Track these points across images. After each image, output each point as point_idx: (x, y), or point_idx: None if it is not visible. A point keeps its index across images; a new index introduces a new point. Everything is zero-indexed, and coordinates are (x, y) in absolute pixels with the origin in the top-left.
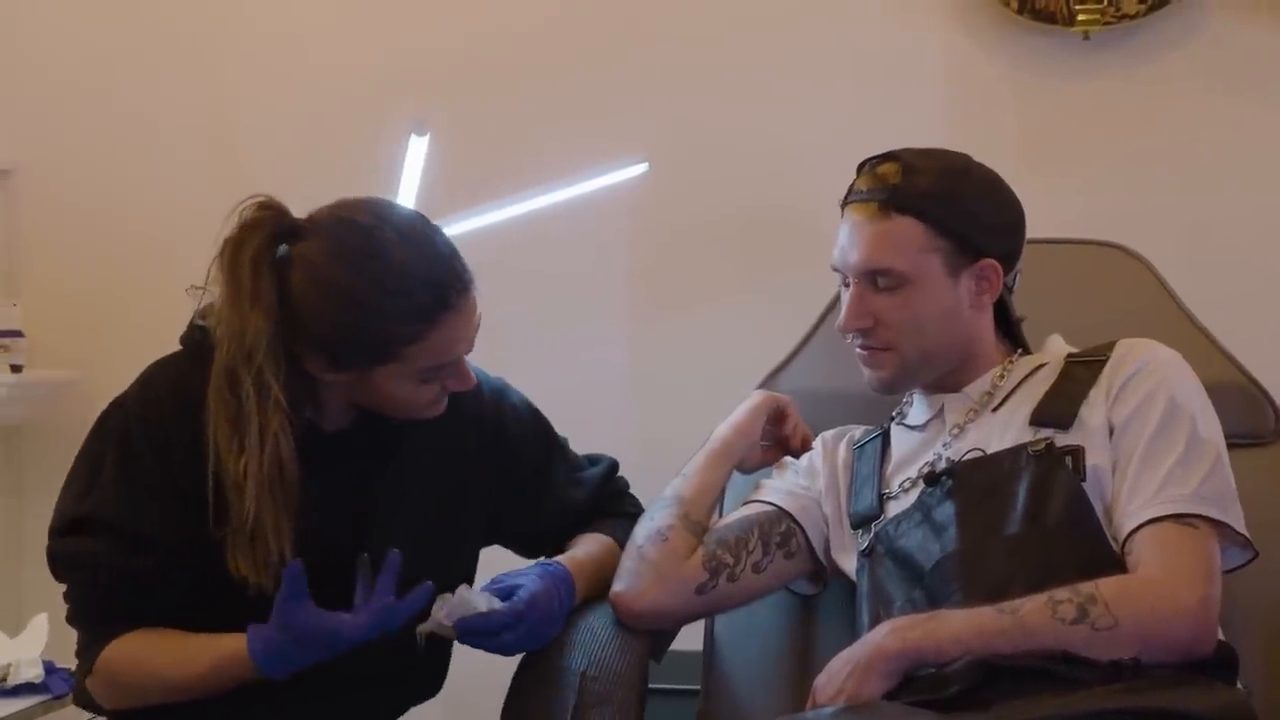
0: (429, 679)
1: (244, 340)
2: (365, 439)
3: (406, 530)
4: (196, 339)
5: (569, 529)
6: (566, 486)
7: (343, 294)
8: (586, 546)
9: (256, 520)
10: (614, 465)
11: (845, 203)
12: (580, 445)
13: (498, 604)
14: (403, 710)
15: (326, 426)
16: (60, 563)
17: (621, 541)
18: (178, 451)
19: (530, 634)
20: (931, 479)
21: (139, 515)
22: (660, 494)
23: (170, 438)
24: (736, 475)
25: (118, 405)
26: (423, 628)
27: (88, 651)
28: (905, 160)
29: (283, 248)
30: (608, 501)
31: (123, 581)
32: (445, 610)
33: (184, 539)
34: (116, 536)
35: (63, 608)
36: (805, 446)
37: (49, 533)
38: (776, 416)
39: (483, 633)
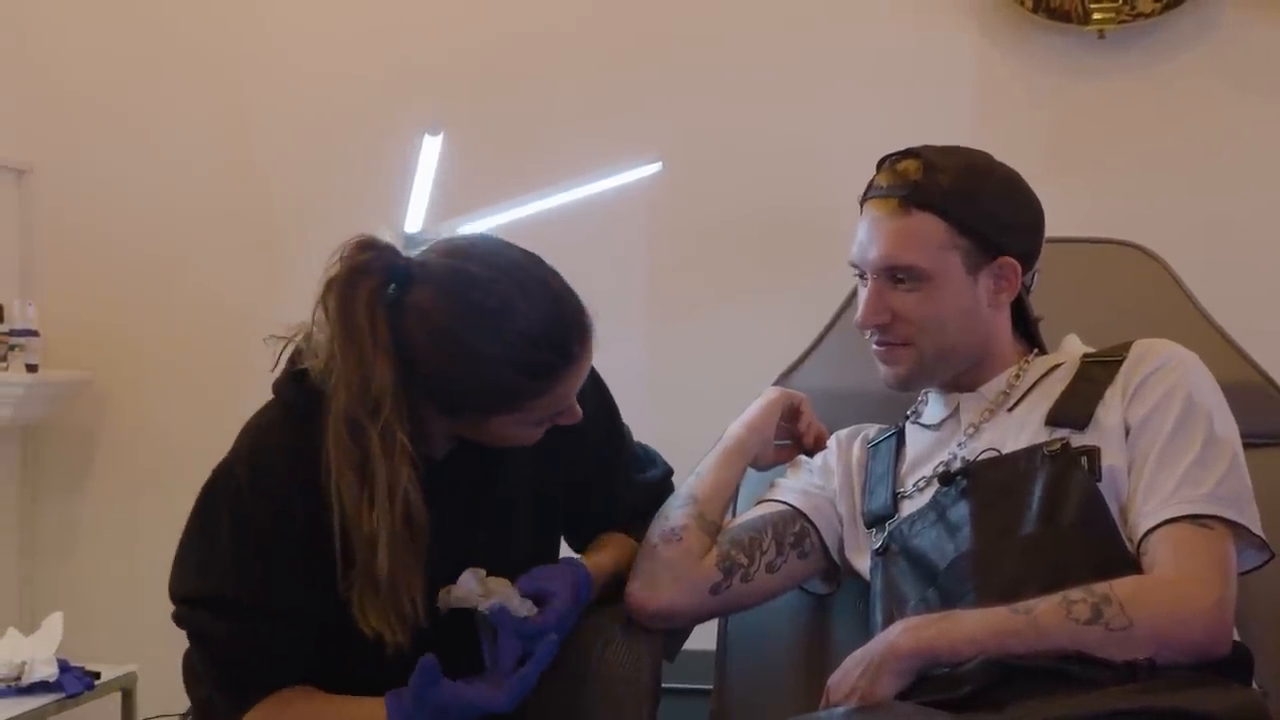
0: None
1: (368, 390)
2: (469, 463)
3: (514, 546)
4: (292, 388)
5: (611, 526)
6: (624, 488)
7: (464, 349)
8: (613, 549)
9: (391, 575)
10: (669, 473)
11: (865, 199)
12: None
13: (533, 612)
14: None
15: (436, 454)
16: (185, 630)
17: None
18: (297, 513)
19: (548, 651)
20: (946, 479)
21: (263, 589)
22: (675, 492)
23: (288, 500)
24: (751, 473)
25: (226, 469)
26: (453, 599)
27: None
28: (926, 157)
29: (393, 288)
30: (653, 507)
31: (252, 652)
32: (481, 589)
33: (311, 602)
34: (241, 612)
35: (79, 606)
36: (820, 444)
37: (170, 594)
38: (791, 413)
39: (510, 633)
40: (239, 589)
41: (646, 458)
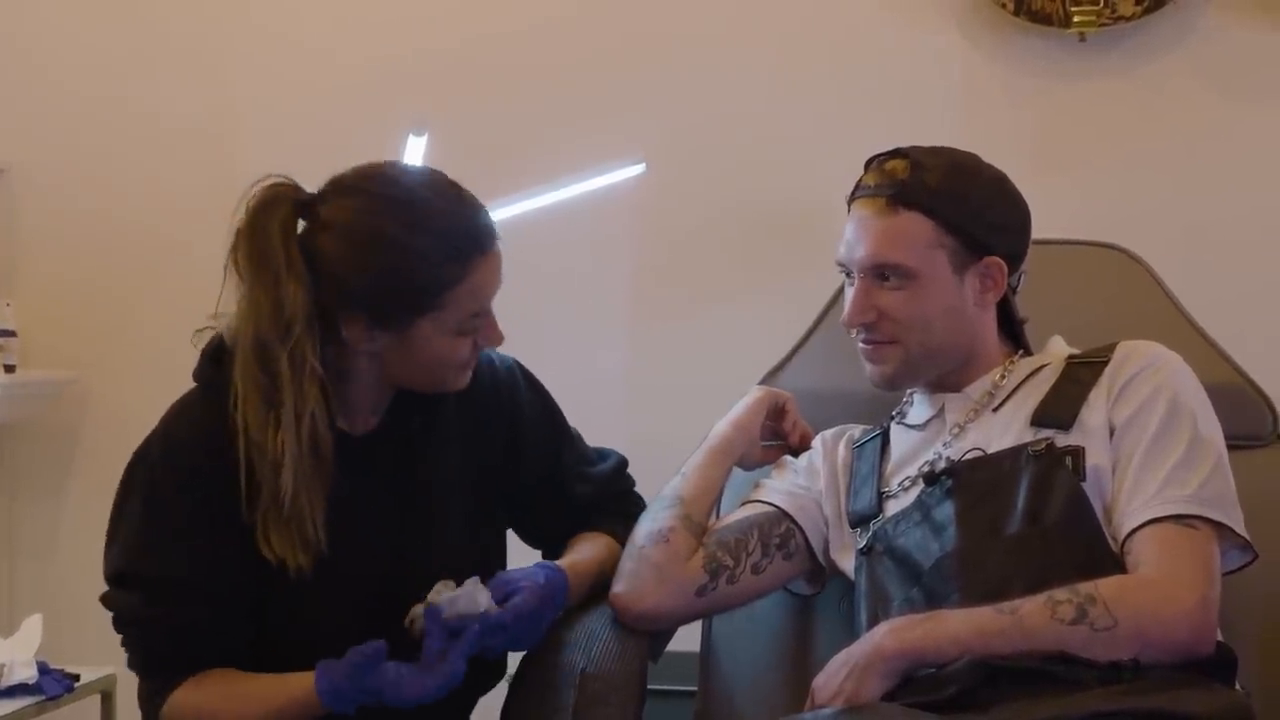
0: (493, 670)
1: (280, 312)
2: (394, 442)
3: (444, 531)
4: (210, 369)
5: (573, 524)
6: (574, 481)
7: (383, 241)
8: (588, 547)
9: (294, 498)
10: (623, 462)
11: (852, 198)
12: None
13: (494, 606)
14: (473, 704)
15: (355, 430)
16: (112, 617)
17: (623, 541)
18: (206, 490)
19: (513, 641)
20: (931, 478)
21: (177, 566)
22: (660, 492)
23: (196, 478)
24: (736, 472)
25: (141, 454)
26: (416, 611)
27: (149, 705)
28: (914, 157)
29: (302, 224)
30: (613, 500)
31: (169, 631)
32: (445, 598)
33: (229, 580)
34: (151, 587)
35: (59, 608)
36: (805, 444)
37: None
38: (777, 413)
39: (438, 625)
40: (153, 568)
41: (599, 455)
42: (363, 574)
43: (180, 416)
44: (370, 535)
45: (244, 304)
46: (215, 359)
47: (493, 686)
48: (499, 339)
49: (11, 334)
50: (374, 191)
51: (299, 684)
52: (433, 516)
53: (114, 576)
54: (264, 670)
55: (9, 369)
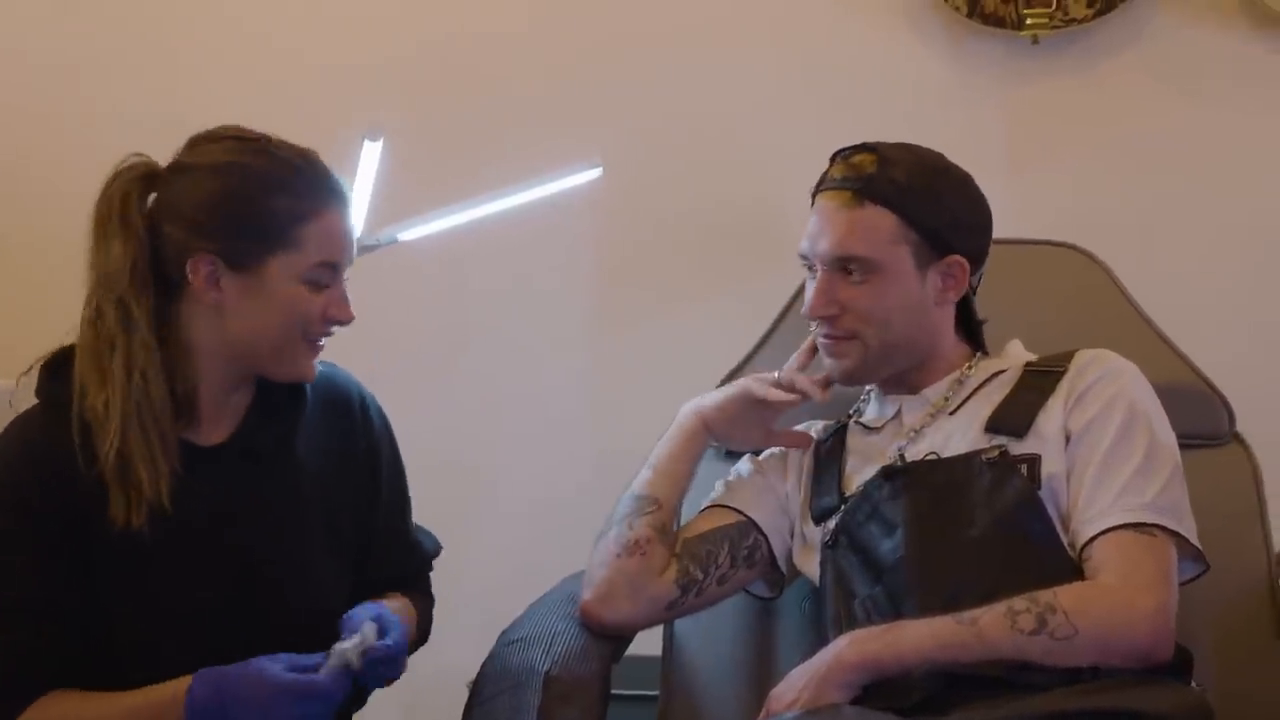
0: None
1: (108, 269)
2: (244, 456)
3: (295, 551)
4: (47, 385)
5: (391, 585)
6: (406, 549)
7: (240, 169)
8: (403, 602)
9: (122, 451)
10: (437, 549)
11: (817, 190)
12: (539, 453)
13: (382, 638)
14: None
15: (202, 440)
16: None
17: (424, 615)
18: (44, 506)
19: (393, 671)
20: (887, 473)
21: (9, 581)
22: (631, 488)
23: (30, 491)
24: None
25: None
26: (333, 663)
27: None
28: (881, 152)
29: (153, 196)
30: (416, 576)
31: (15, 652)
32: (352, 642)
33: (65, 596)
34: None
35: None
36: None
37: None
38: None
39: (383, 662)
40: None
41: (419, 546)
42: (207, 593)
43: (14, 435)
44: (216, 552)
45: (87, 272)
46: (53, 371)
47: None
48: (348, 315)
49: None
50: (230, 136)
51: (171, 689)
52: (282, 536)
53: None
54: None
55: None
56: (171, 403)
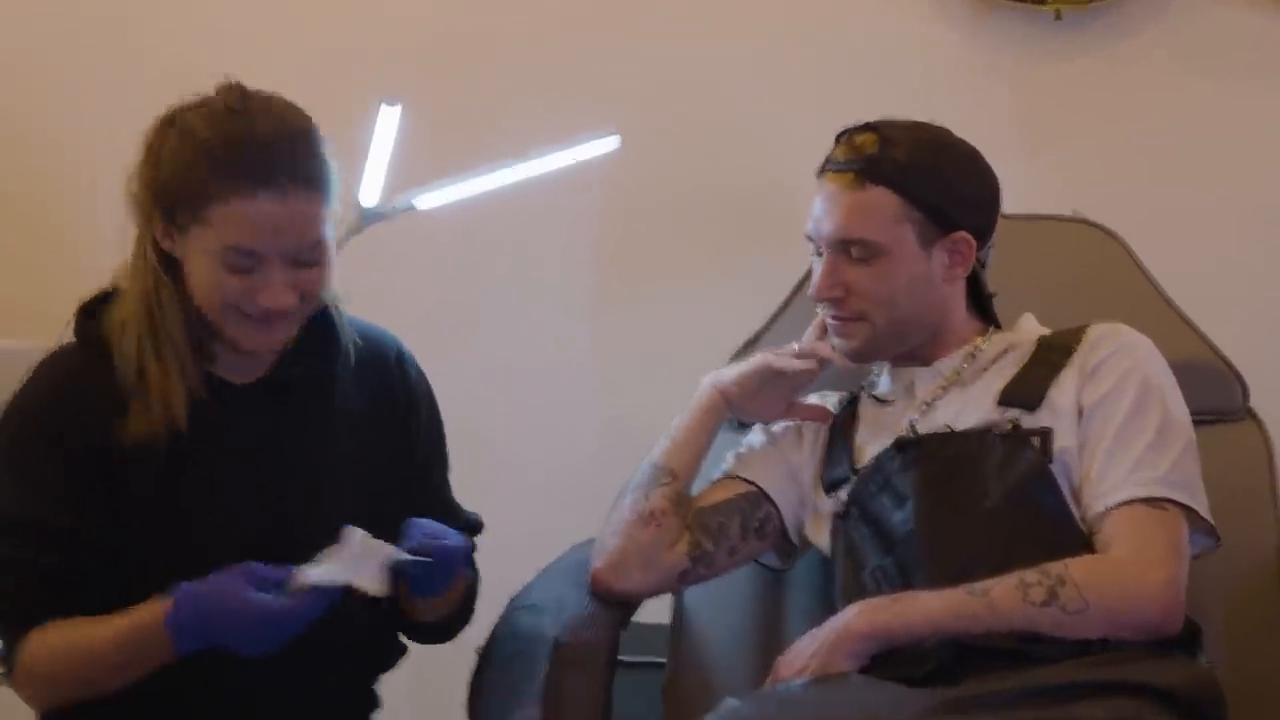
0: (387, 645)
1: (139, 207)
2: (271, 393)
3: (328, 500)
4: (83, 324)
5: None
6: (447, 509)
7: (189, 132)
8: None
9: (140, 367)
10: (479, 524)
11: (821, 172)
12: (550, 422)
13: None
14: (372, 681)
15: (234, 379)
16: None
17: (469, 588)
18: (70, 443)
19: (427, 578)
20: (900, 445)
21: (29, 507)
22: (650, 456)
23: (62, 431)
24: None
25: (6, 408)
26: (301, 582)
27: (10, 654)
28: (883, 131)
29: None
30: None
31: (28, 576)
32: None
33: (89, 528)
34: (11, 532)
35: None
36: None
37: None
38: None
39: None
40: (7, 508)
41: (460, 510)
42: (233, 530)
43: (48, 370)
44: (246, 490)
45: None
46: (90, 312)
47: (394, 665)
48: (276, 302)
49: None
50: (218, 101)
51: (150, 609)
52: (310, 482)
53: None
54: None
55: None
56: (187, 331)
